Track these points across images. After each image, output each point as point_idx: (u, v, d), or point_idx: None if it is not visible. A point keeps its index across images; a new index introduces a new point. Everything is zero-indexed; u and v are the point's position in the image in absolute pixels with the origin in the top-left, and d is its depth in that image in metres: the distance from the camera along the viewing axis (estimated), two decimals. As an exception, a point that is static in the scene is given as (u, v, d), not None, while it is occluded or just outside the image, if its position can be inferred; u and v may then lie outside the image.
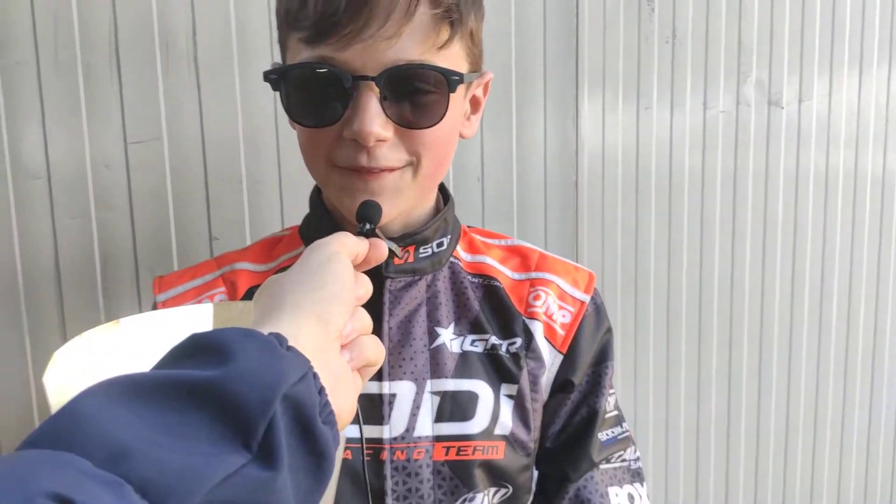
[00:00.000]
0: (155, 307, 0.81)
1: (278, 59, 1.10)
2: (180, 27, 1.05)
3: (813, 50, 1.44)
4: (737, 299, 1.45)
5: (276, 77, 0.70)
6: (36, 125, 1.03)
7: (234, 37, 1.07)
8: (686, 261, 1.40)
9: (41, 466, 0.32)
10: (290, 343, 0.43)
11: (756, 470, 1.53)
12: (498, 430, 0.77)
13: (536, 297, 0.82)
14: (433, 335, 0.78)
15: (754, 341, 1.48)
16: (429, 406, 0.76)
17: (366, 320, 0.52)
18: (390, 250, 0.61)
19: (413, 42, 0.67)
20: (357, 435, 0.60)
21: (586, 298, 0.84)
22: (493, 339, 0.80)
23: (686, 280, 1.41)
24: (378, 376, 0.75)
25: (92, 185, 1.05)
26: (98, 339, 0.57)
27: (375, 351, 0.51)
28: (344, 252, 0.53)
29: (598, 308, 0.86)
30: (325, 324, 0.47)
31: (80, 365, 0.54)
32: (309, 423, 0.40)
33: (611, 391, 0.85)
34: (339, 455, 0.53)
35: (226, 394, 0.37)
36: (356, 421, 0.53)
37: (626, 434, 0.86)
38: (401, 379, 0.76)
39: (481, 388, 0.78)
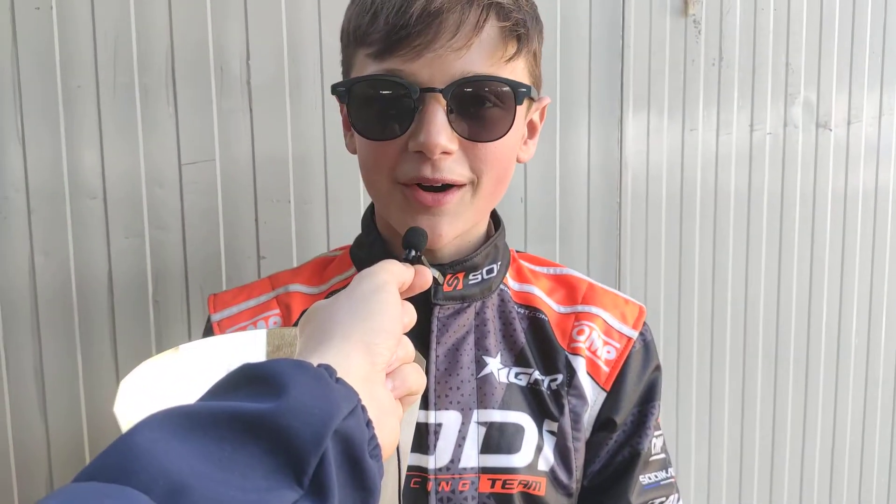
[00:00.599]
0: (209, 325, 0.83)
1: (328, 84, 1.12)
2: (235, 52, 1.08)
3: (862, 71, 1.42)
4: (783, 323, 1.43)
5: (344, 89, 0.71)
6: (94, 146, 1.06)
7: (286, 62, 1.10)
8: (731, 283, 1.38)
9: (102, 500, 0.32)
10: (339, 374, 0.43)
11: None
12: (541, 465, 0.76)
13: (580, 332, 0.80)
14: (481, 364, 0.77)
15: (800, 368, 1.45)
16: (475, 437, 0.75)
17: (409, 349, 0.52)
18: (434, 277, 0.61)
19: (481, 55, 0.67)
20: (412, 463, 0.60)
21: (634, 334, 0.82)
22: (537, 374, 0.78)
23: (731, 303, 1.39)
24: (424, 405, 0.74)
25: (146, 204, 1.08)
26: (161, 366, 0.58)
27: (417, 380, 0.51)
28: (392, 282, 0.53)
29: (646, 345, 0.83)
30: (373, 355, 0.47)
31: (147, 393, 0.55)
32: (358, 458, 0.40)
33: (657, 433, 0.83)
34: (393, 485, 0.53)
35: (279, 428, 0.38)
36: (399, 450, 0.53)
37: (670, 480, 0.83)
38: (447, 408, 0.75)
39: (526, 421, 0.76)
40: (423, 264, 0.60)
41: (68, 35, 1.04)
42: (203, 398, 0.41)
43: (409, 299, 0.56)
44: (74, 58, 1.04)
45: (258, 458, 0.37)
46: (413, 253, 0.64)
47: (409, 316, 0.53)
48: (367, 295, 0.51)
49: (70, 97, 1.05)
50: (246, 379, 0.41)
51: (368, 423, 0.42)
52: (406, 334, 0.53)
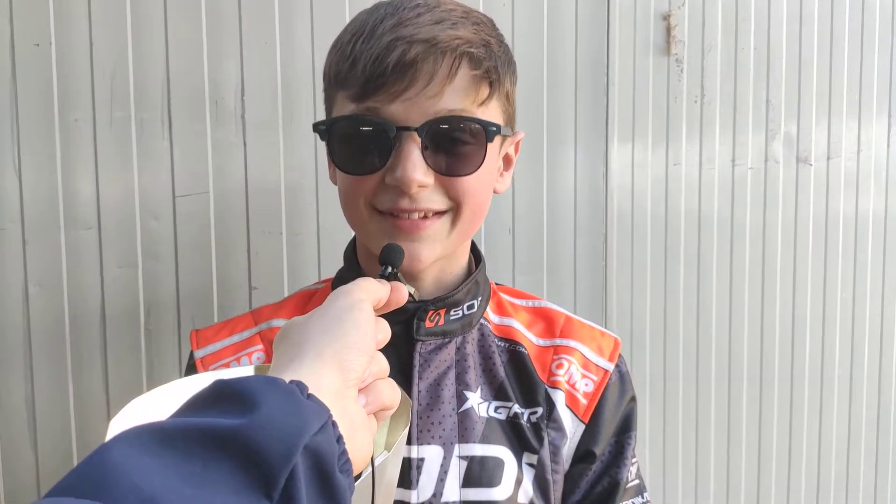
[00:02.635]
0: (192, 362, 0.83)
1: (320, 118, 1.15)
2: (230, 88, 1.11)
3: (841, 108, 1.46)
4: (767, 348, 1.45)
5: (324, 128, 0.75)
6: (90, 178, 1.08)
7: (279, 97, 1.13)
8: (715, 311, 1.40)
9: None
10: (311, 391, 0.44)
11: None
12: (521, 498, 0.77)
13: (559, 366, 0.82)
14: (462, 398, 0.79)
15: (784, 393, 1.47)
16: (456, 471, 0.76)
17: (383, 364, 0.52)
18: (409, 293, 0.62)
19: (454, 99, 0.71)
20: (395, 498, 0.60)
21: (610, 367, 0.84)
22: (516, 408, 0.80)
23: (716, 330, 1.41)
24: (407, 440, 0.75)
25: (140, 235, 1.10)
26: (150, 401, 0.59)
27: (391, 395, 0.52)
28: (367, 300, 0.54)
29: (622, 376, 0.85)
30: (345, 371, 0.47)
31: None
32: (328, 473, 0.41)
33: (633, 460, 0.84)
34: (367, 501, 0.53)
35: (250, 443, 0.38)
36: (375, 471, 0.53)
37: None
38: (429, 443, 0.76)
39: (506, 455, 0.78)
40: (398, 280, 0.61)
41: (66, 70, 1.06)
42: (175, 414, 0.42)
43: (387, 318, 0.57)
44: (72, 92, 1.06)
45: (228, 473, 0.37)
46: (389, 269, 0.65)
47: (384, 333, 0.54)
48: (341, 312, 0.51)
49: (67, 130, 1.07)
50: (218, 395, 0.42)
51: (339, 438, 0.43)
52: (389, 373, 0.54)
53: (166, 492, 0.35)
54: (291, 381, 0.43)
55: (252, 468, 0.38)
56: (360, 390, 0.49)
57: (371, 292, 0.55)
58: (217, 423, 0.39)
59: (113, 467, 0.35)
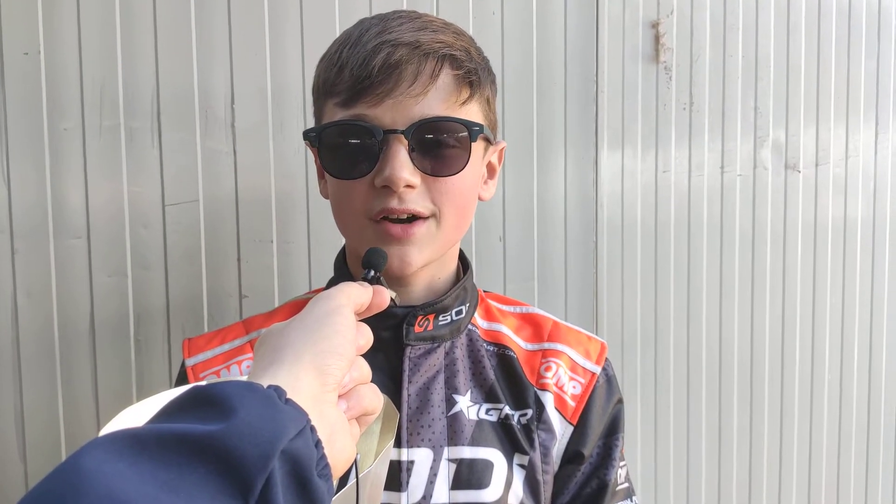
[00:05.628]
0: (183, 370, 0.83)
1: (310, 126, 1.15)
2: (220, 96, 1.11)
3: (828, 115, 1.47)
4: (757, 354, 1.45)
5: (314, 134, 0.77)
6: (79, 187, 1.07)
7: (269, 105, 1.13)
8: (705, 317, 1.41)
9: None
10: (289, 395, 0.43)
11: (779, 534, 1.51)
12: (511, 500, 0.78)
13: (547, 369, 0.84)
14: (451, 402, 0.80)
15: (775, 398, 1.48)
16: (445, 473, 0.77)
17: (364, 370, 0.53)
18: (391, 298, 0.62)
19: (437, 100, 0.74)
20: (385, 501, 0.61)
21: (597, 370, 0.86)
22: (507, 409, 0.81)
23: (706, 336, 1.41)
24: (397, 443, 0.76)
25: (130, 244, 1.09)
26: (139, 412, 0.59)
27: (372, 400, 0.52)
28: (348, 304, 0.54)
29: (609, 379, 0.87)
30: (324, 376, 0.47)
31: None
32: (305, 477, 0.41)
33: (621, 463, 0.86)
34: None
35: (226, 449, 0.38)
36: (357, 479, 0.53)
37: None
38: (419, 446, 0.77)
39: (496, 457, 0.79)
40: (381, 284, 0.62)
41: (56, 79, 1.06)
42: (152, 420, 0.41)
43: (377, 323, 0.57)
44: (61, 101, 1.06)
45: (205, 479, 0.37)
46: (371, 273, 0.66)
47: (365, 338, 0.54)
48: (321, 317, 0.51)
49: (56, 139, 1.06)
50: (195, 401, 0.42)
51: (318, 443, 0.43)
52: (379, 374, 0.54)
53: (141, 498, 0.34)
54: (269, 386, 0.43)
55: (228, 474, 0.37)
56: (340, 395, 0.49)
57: (352, 297, 0.55)
58: (193, 429, 0.38)
59: (86, 474, 0.35)
